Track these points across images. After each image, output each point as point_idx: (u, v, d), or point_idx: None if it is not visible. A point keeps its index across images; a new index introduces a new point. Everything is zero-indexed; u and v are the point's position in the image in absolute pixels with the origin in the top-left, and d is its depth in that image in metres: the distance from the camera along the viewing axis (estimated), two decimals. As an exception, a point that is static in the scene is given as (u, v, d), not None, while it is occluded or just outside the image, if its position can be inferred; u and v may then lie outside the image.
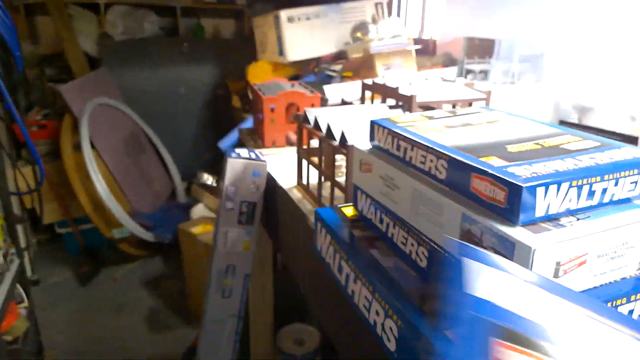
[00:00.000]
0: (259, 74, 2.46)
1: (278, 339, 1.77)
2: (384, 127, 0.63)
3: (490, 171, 0.45)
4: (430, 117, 0.67)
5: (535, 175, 0.43)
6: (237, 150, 1.22)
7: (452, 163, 0.50)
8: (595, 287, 0.44)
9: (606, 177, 0.46)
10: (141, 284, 2.69)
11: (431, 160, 0.53)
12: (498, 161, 0.48)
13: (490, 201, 0.45)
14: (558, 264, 0.40)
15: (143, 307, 2.49)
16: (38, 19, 3.20)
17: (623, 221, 0.44)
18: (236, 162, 1.17)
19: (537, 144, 0.53)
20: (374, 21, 2.12)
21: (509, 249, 0.41)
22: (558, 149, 0.51)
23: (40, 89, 3.03)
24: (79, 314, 2.41)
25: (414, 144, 0.56)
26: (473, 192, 0.47)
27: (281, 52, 2.35)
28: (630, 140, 1.09)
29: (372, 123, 0.66)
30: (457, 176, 0.49)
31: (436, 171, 0.53)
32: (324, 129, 0.93)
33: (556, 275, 0.41)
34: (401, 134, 0.59)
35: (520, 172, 0.44)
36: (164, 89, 3.57)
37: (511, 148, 0.52)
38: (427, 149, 0.54)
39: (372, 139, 0.67)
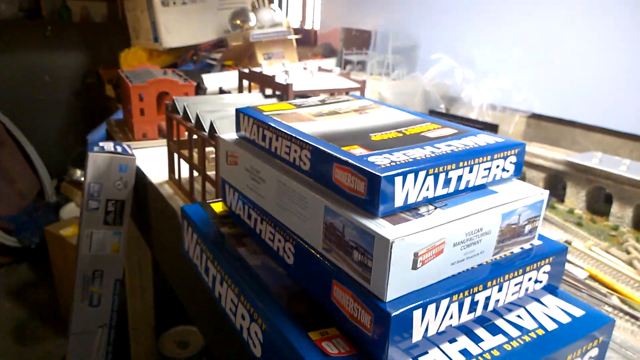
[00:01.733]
0: (132, 62, 2.29)
1: (160, 343, 1.67)
2: (250, 116, 0.59)
3: (350, 161, 0.43)
4: (299, 106, 0.64)
5: (393, 164, 0.42)
6: (101, 143, 1.11)
7: (315, 153, 0.47)
8: (453, 276, 0.44)
9: (461, 164, 0.46)
10: (6, 294, 2.41)
11: (295, 151, 0.50)
12: (360, 150, 0.46)
13: (351, 192, 0.43)
14: (416, 254, 0.40)
15: (8, 319, 2.23)
16: None
17: (478, 207, 0.45)
18: (98, 156, 1.05)
19: (400, 132, 0.53)
20: (254, 9, 2.06)
21: (369, 241, 0.40)
22: (419, 137, 0.51)
23: None
24: None
25: (278, 133, 0.53)
26: (335, 184, 0.45)
27: (156, 39, 2.21)
28: (492, 127, 1.17)
29: (238, 112, 0.62)
30: (320, 167, 0.47)
31: (300, 162, 0.50)
32: (192, 119, 0.87)
33: (415, 267, 0.40)
34: (266, 124, 0.55)
35: (380, 161, 0.43)
36: (25, 76, 3.22)
37: (375, 136, 0.51)
38: (291, 138, 0.51)
39: (238, 129, 0.63)
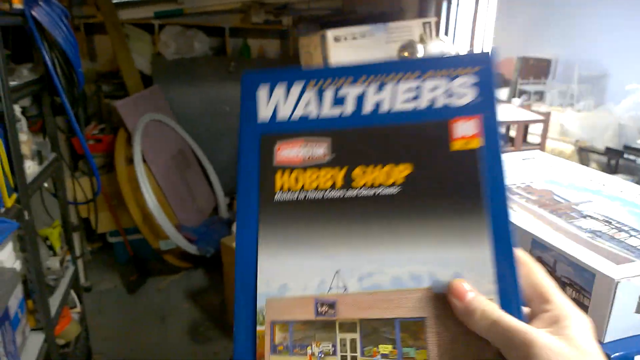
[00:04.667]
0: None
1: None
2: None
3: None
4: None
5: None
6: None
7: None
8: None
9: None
10: (184, 296, 2.74)
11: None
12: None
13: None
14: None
15: (185, 318, 2.53)
16: (96, 38, 3.38)
17: None
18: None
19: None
20: (422, 40, 2.11)
21: (587, 279, 0.39)
22: None
23: (96, 104, 3.17)
24: (125, 322, 2.47)
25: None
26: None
27: (328, 72, 2.37)
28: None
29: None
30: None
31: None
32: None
33: (639, 310, 0.38)
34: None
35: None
36: (210, 106, 3.66)
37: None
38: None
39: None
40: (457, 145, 0.38)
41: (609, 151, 1.90)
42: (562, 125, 1.18)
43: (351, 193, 0.39)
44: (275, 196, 0.40)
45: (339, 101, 0.40)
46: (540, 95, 1.47)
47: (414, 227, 0.38)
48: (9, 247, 1.25)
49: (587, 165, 1.46)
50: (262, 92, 0.41)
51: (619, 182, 0.66)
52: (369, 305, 0.37)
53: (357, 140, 0.40)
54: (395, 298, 0.37)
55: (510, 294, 0.35)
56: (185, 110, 3.49)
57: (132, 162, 2.63)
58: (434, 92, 0.39)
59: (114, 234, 2.91)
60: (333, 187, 0.39)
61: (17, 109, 1.43)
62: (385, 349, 0.36)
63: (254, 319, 0.38)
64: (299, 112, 0.41)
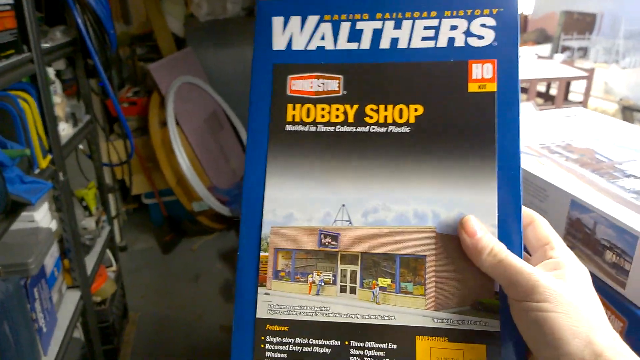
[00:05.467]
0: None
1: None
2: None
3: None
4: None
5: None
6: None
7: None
8: None
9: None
10: (217, 256, 2.80)
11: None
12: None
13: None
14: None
15: (218, 278, 2.60)
16: (129, 0, 3.37)
17: None
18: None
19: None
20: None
21: (629, 242, 0.37)
22: None
23: (131, 67, 3.20)
24: (160, 281, 2.56)
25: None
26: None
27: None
28: None
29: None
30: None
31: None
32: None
33: None
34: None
35: None
36: (243, 69, 3.63)
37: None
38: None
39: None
40: (474, 87, 0.38)
41: (654, 110, 1.78)
42: (606, 83, 1.11)
43: (362, 129, 0.39)
44: (286, 127, 0.40)
45: (355, 35, 0.40)
46: (584, 52, 1.38)
47: (422, 166, 0.38)
48: (45, 207, 1.29)
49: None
50: (278, 21, 0.41)
51: (667, 142, 0.61)
52: (371, 240, 0.38)
53: (372, 76, 0.39)
54: (398, 235, 0.37)
55: (512, 239, 0.35)
56: (218, 73, 3.48)
57: (166, 125, 2.66)
58: (453, 31, 0.38)
59: (149, 195, 2.97)
60: (345, 122, 0.39)
61: (50, 71, 1.45)
62: (384, 282, 0.37)
63: (258, 245, 0.39)
64: (314, 44, 0.41)
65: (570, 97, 1.68)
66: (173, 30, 3.32)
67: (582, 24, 1.43)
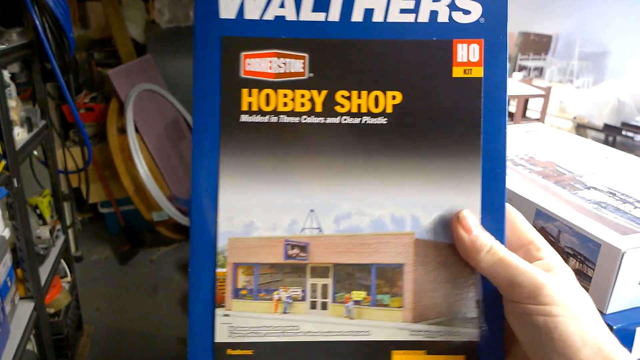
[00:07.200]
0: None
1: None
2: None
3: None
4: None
5: None
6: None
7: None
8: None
9: None
10: (176, 267, 2.74)
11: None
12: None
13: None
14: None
15: (177, 289, 2.54)
16: (88, 4, 3.28)
17: None
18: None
19: None
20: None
21: (592, 250, 0.39)
22: None
23: (88, 72, 3.11)
24: (117, 292, 2.48)
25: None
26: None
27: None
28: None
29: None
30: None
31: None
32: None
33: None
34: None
35: None
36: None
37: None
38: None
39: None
40: (458, 72, 0.33)
41: (607, 128, 1.90)
42: (560, 102, 1.17)
43: (333, 120, 0.34)
44: (241, 117, 0.34)
45: (322, 3, 0.33)
46: (540, 71, 1.46)
47: (400, 164, 0.33)
48: (-2, 215, 1.23)
49: (583, 144, 1.46)
50: None
51: (622, 155, 0.65)
52: (344, 249, 0.34)
53: (343, 56, 0.34)
54: (374, 242, 0.34)
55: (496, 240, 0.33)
56: (179, 81, 3.43)
57: (124, 132, 2.59)
58: (436, 3, 0.33)
59: (105, 204, 2.88)
60: (312, 111, 0.34)
61: (6, 74, 1.39)
62: (359, 295, 0.34)
63: (213, 260, 0.34)
64: (271, 12, 0.34)
65: (528, 114, 1.77)
66: (133, 36, 3.26)
67: (538, 45, 1.50)
